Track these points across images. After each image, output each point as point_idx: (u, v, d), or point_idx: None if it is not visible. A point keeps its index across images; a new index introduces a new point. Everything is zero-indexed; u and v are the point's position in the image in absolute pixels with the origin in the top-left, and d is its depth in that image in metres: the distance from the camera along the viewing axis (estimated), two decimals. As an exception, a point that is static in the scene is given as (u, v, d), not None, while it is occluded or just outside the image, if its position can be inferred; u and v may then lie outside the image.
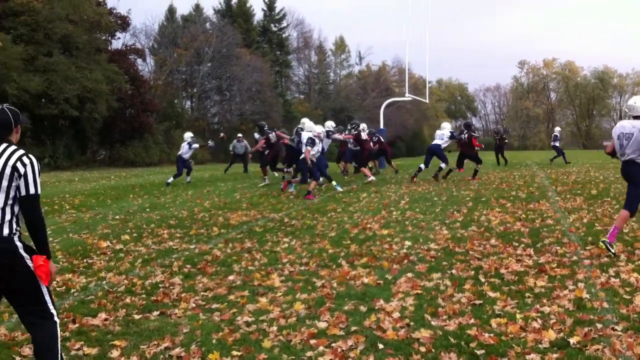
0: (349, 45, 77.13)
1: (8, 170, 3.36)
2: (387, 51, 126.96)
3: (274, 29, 65.71)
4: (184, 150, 18.67)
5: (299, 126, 16.01)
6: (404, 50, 73.77)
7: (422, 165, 16.97)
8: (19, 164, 3.37)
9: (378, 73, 75.78)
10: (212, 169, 27.60)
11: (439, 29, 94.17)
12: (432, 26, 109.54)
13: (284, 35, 66.68)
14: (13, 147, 3.45)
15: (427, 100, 40.76)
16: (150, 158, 41.08)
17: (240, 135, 25.12)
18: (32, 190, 3.40)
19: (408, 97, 33.84)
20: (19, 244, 3.41)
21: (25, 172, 3.38)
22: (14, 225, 3.41)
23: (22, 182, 3.37)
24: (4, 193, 3.37)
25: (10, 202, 3.39)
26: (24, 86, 31.93)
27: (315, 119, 56.55)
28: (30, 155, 3.46)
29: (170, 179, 18.20)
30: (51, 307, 3.54)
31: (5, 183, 3.36)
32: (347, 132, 18.80)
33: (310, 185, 13.99)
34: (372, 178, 16.84)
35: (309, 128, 14.90)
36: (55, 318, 3.56)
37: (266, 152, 17.91)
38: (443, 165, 16.61)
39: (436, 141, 16.89)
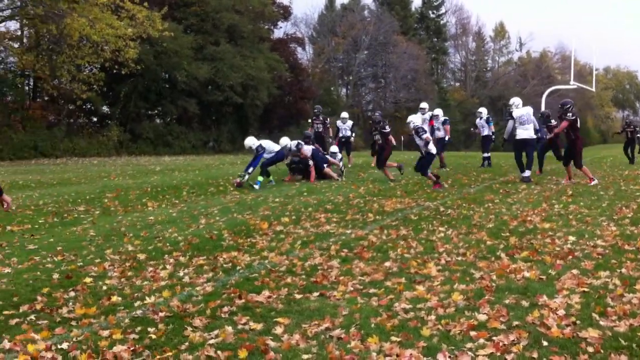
0: (508, 31, 74.61)
1: None
2: (550, 37, 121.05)
3: (432, 15, 64.99)
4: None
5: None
6: (568, 36, 70.02)
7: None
8: None
9: (539, 60, 72.72)
10: (365, 156, 27.83)
11: (607, 13, 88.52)
12: (600, 10, 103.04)
13: (441, 22, 65.79)
14: None
15: (592, 89, 38.53)
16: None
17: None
18: None
19: (573, 84, 32.18)
20: None
21: None
22: None
23: None
24: None
25: None
26: (193, 73, 34.01)
27: (470, 106, 55.43)
28: None
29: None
30: None
31: None
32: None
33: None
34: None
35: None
36: None
37: None
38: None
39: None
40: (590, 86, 37.43)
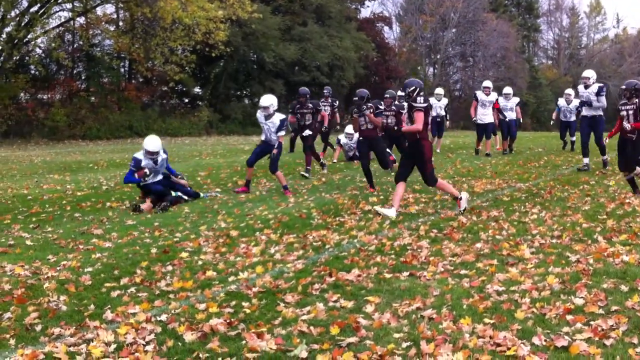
0: (604, 7, 71.08)
1: None
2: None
3: (524, -9, 62.71)
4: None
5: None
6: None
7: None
8: None
9: (637, 37, 69.00)
10: (452, 136, 27.40)
11: None
12: None
13: (533, -2, 63.41)
14: None
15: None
16: (392, 124, 42.07)
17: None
18: None
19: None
20: None
21: None
22: None
23: None
24: None
25: None
26: (281, 54, 34.28)
27: (563, 85, 53.50)
28: None
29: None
30: None
31: None
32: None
33: None
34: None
35: None
36: None
37: None
38: None
39: None
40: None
